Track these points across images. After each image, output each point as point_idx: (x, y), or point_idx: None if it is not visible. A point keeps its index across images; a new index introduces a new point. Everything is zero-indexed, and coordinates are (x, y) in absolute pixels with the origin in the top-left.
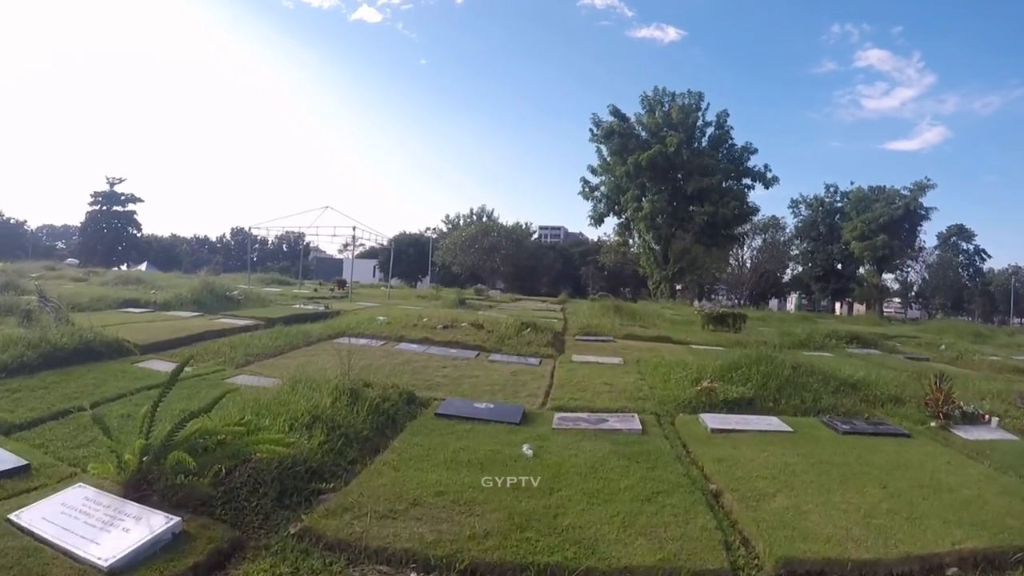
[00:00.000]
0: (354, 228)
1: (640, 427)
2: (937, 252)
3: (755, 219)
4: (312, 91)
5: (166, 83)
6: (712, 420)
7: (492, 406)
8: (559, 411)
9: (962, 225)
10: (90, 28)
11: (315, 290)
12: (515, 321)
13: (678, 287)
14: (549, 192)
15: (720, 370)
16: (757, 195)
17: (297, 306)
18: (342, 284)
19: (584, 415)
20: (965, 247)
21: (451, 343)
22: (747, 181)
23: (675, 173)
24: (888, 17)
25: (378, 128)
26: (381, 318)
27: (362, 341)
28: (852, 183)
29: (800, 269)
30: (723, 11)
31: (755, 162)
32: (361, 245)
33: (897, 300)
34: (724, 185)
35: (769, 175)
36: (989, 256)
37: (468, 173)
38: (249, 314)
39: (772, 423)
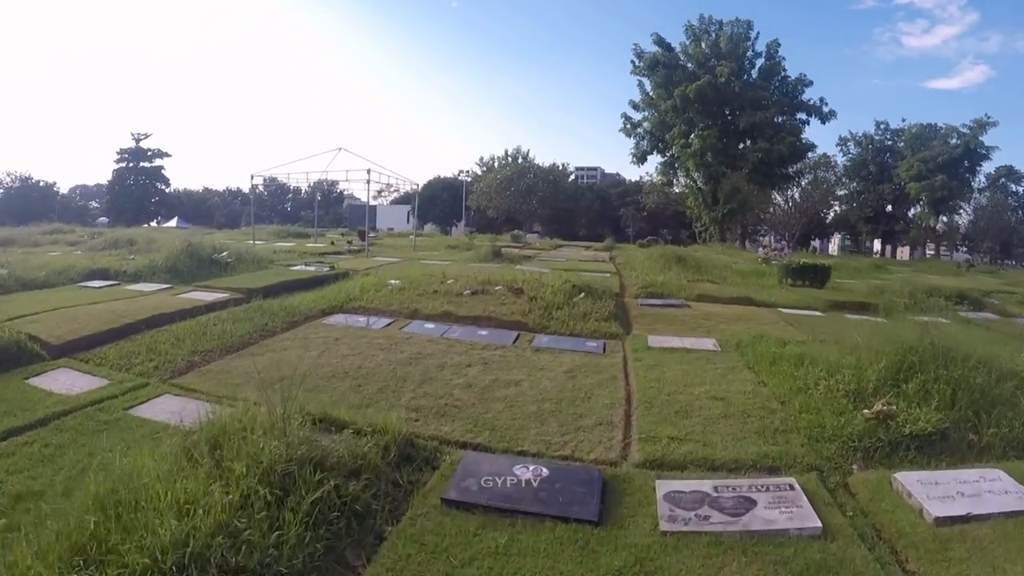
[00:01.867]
0: (368, 171)
1: (818, 524)
2: (986, 194)
3: (811, 156)
4: (341, 39)
5: (191, 33)
6: (922, 492)
7: (544, 471)
8: (659, 471)
9: (1011, 166)
10: None
11: (332, 243)
12: (563, 282)
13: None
14: (585, 131)
15: (881, 374)
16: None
17: (297, 267)
18: (363, 235)
19: (707, 489)
20: (1014, 189)
21: (481, 319)
22: (801, 116)
23: (725, 107)
24: None
25: (410, 72)
26: (394, 282)
27: (360, 320)
28: (904, 120)
29: (843, 209)
30: None
31: (810, 95)
32: (396, 191)
33: (943, 244)
34: (778, 120)
35: (826, 109)
36: None
37: (502, 114)
38: (228, 284)
39: (1009, 487)
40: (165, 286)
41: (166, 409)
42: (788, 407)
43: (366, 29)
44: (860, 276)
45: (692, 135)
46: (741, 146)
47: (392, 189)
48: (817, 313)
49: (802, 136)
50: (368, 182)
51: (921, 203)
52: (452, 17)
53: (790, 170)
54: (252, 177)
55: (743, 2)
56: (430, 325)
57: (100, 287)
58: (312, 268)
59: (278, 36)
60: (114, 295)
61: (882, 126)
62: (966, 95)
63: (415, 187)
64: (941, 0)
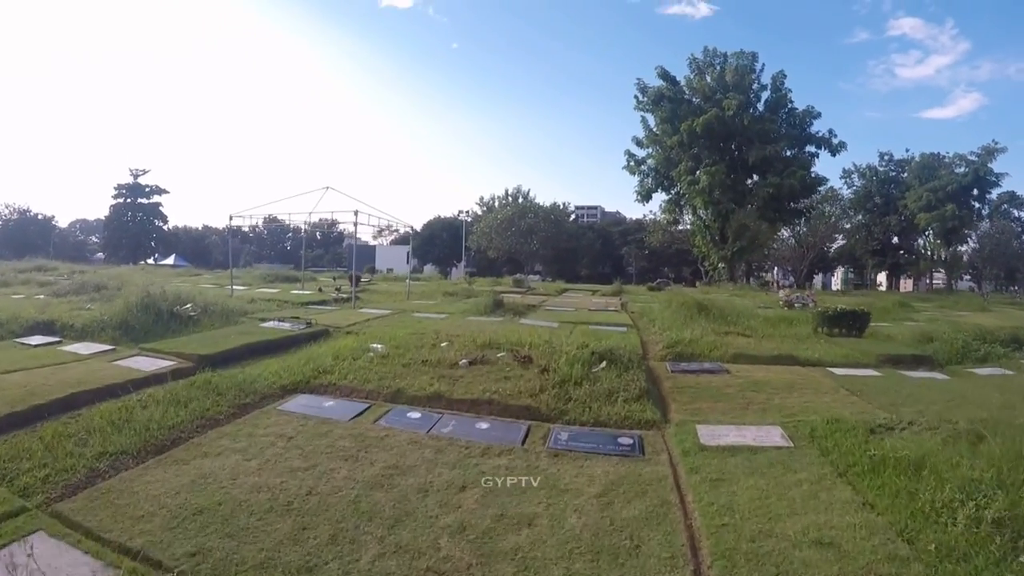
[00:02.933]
0: (356, 212)
1: None
2: (988, 221)
3: (822, 190)
4: (344, 80)
5: (197, 72)
6: None
7: None
8: None
9: (1013, 192)
10: (117, 17)
11: (320, 289)
12: (579, 347)
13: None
14: (584, 171)
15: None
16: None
17: (269, 324)
18: (356, 280)
19: None
20: (1017, 215)
21: (480, 403)
22: (810, 149)
23: (732, 141)
24: None
25: (411, 113)
26: (377, 346)
27: (327, 406)
28: (908, 150)
29: (845, 242)
30: None
31: (818, 127)
32: (396, 231)
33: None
34: (787, 154)
35: (835, 141)
36: None
37: (502, 155)
38: (180, 347)
39: None
40: (107, 348)
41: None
42: (922, 552)
43: (368, 68)
44: (889, 317)
45: (699, 171)
46: (749, 181)
47: (392, 229)
48: (873, 372)
49: (812, 169)
50: (356, 223)
51: (928, 233)
52: (452, 59)
53: (800, 205)
54: (231, 218)
55: (737, 40)
56: (414, 414)
57: (36, 345)
58: (286, 325)
59: (282, 75)
60: (44, 358)
61: (886, 157)
62: (960, 123)
63: (408, 228)
64: (933, 30)
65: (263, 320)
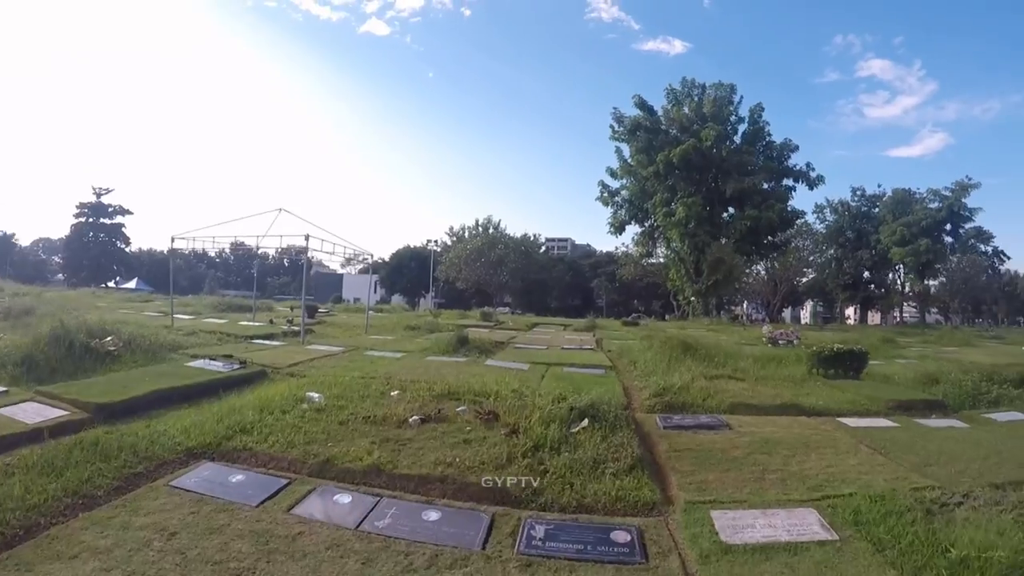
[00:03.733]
0: (307, 236)
1: None
2: (956, 256)
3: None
4: (319, 105)
5: (173, 93)
6: None
7: None
8: None
9: (980, 227)
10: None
11: (271, 321)
12: (555, 401)
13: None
14: (555, 203)
15: None
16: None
17: (197, 363)
18: (312, 311)
19: None
20: (984, 249)
21: (431, 482)
22: (787, 182)
23: (709, 173)
24: (889, 28)
25: (385, 141)
26: (314, 396)
27: (233, 482)
28: (879, 186)
29: (815, 276)
30: (728, 24)
31: (795, 160)
32: (364, 259)
33: (916, 307)
34: (764, 187)
35: (813, 174)
36: (1008, 257)
37: (474, 185)
38: (79, 392)
39: None
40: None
41: None
42: None
43: (343, 95)
44: (879, 354)
45: (675, 203)
46: (726, 214)
47: (360, 258)
48: (887, 423)
49: (789, 203)
50: (307, 248)
51: (898, 268)
52: (428, 87)
53: (778, 238)
54: (172, 240)
55: (710, 77)
56: (344, 497)
57: None
58: (217, 365)
59: (254, 98)
60: None
61: (858, 192)
62: (927, 162)
63: (368, 256)
64: (901, 71)
65: (195, 357)
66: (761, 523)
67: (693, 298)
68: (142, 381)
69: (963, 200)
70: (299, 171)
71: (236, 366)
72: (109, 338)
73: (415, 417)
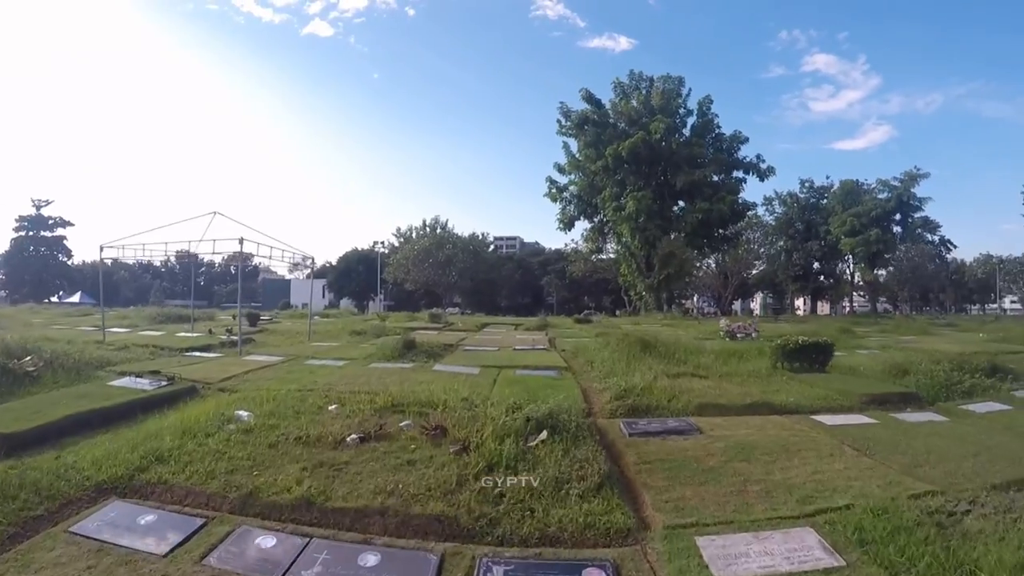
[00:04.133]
0: (241, 240)
1: None
2: (905, 245)
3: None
4: (262, 108)
5: (111, 99)
6: None
7: None
8: None
9: (927, 217)
10: (34, 33)
11: (210, 331)
12: (509, 413)
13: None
14: (503, 202)
15: None
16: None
17: (122, 382)
18: (254, 319)
19: None
20: (931, 239)
21: (370, 515)
22: (738, 174)
23: (659, 166)
24: (834, 23)
25: (330, 143)
26: (243, 414)
27: (144, 522)
28: (828, 178)
29: (765, 268)
30: (674, 20)
31: (746, 152)
32: (311, 264)
33: (863, 295)
34: (715, 179)
35: (763, 166)
36: (955, 246)
37: (423, 186)
38: None
39: None
40: None
41: None
42: None
43: (286, 97)
44: (839, 345)
45: (625, 197)
46: (676, 207)
47: (308, 262)
48: (865, 419)
49: (740, 195)
50: (241, 253)
51: (848, 258)
52: (374, 87)
53: (729, 231)
54: (101, 249)
55: (656, 72)
56: (267, 540)
57: None
58: (143, 383)
59: (193, 103)
60: None
61: (807, 184)
62: (871, 154)
63: (311, 259)
64: (845, 66)
65: (123, 374)
66: (755, 550)
67: (645, 293)
68: (58, 405)
69: (912, 190)
70: (242, 176)
71: (163, 383)
72: (28, 358)
73: (353, 436)
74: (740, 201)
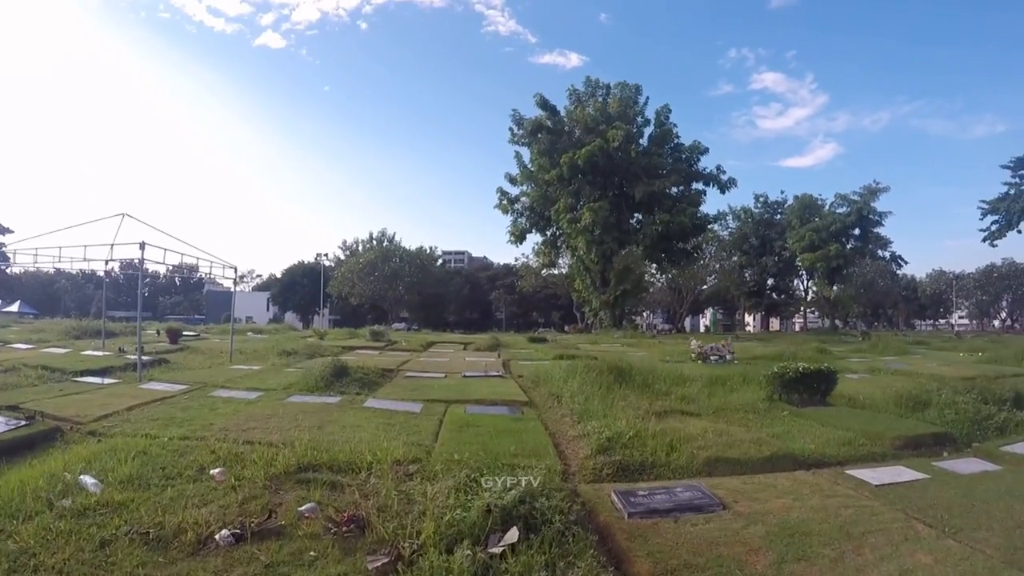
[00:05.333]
0: (142, 245)
1: None
2: (866, 260)
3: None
4: (210, 118)
5: (60, 104)
6: None
7: None
8: None
9: (878, 233)
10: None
11: (121, 350)
12: (461, 493)
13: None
14: (452, 216)
15: None
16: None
17: None
18: (175, 336)
19: None
20: (881, 254)
21: None
22: (698, 186)
23: (616, 176)
24: (782, 42)
25: (279, 155)
26: (88, 483)
27: None
28: (782, 192)
29: (718, 283)
30: (624, 38)
31: (705, 163)
32: (258, 276)
33: (814, 312)
34: (673, 191)
35: (724, 177)
36: (906, 262)
37: (371, 198)
38: None
39: None
40: None
41: None
42: None
43: (234, 108)
44: (816, 359)
45: (581, 208)
46: (633, 219)
47: (254, 275)
48: (910, 473)
49: (700, 208)
50: (141, 260)
51: (803, 274)
52: (324, 99)
53: (689, 244)
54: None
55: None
56: None
57: None
58: None
59: (140, 111)
60: None
61: (761, 199)
62: (818, 171)
63: (231, 268)
64: (793, 84)
65: None
66: None
67: (599, 309)
68: None
69: (872, 204)
70: (186, 185)
71: (19, 423)
72: None
73: (226, 532)
74: (701, 213)
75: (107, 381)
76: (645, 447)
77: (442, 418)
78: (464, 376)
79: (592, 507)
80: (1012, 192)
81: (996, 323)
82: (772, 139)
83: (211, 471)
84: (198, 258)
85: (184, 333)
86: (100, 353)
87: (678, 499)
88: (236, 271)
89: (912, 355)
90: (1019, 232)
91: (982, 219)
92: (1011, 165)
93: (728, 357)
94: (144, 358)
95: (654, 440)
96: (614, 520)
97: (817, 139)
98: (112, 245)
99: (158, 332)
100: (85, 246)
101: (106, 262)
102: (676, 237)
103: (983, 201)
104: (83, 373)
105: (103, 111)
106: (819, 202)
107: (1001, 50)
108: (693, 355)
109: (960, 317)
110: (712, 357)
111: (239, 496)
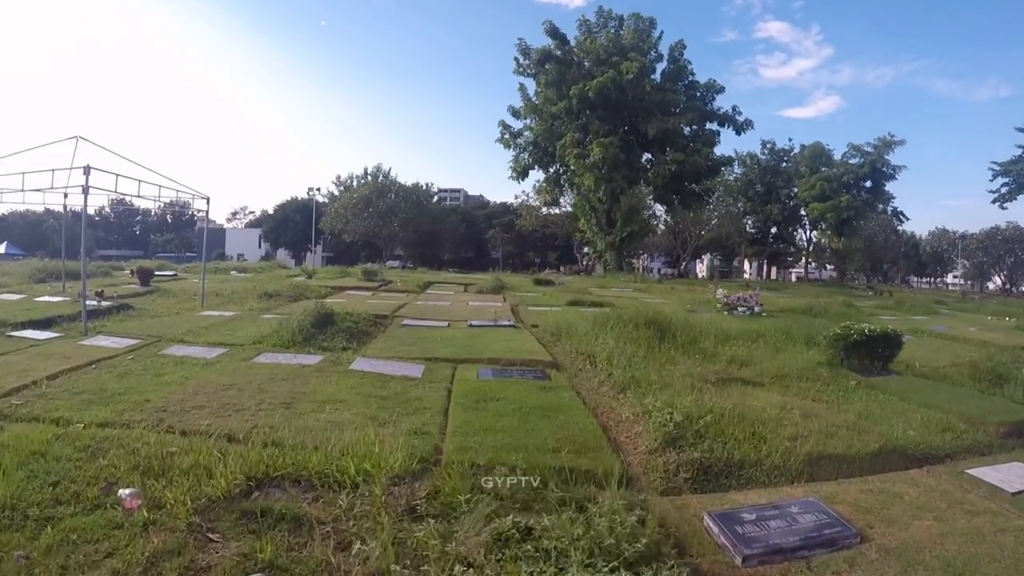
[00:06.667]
0: (87, 168)
1: None
2: (876, 213)
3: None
4: (205, 50)
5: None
6: None
7: None
8: None
9: (881, 187)
10: None
11: (80, 296)
12: (494, 531)
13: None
14: (448, 154)
15: None
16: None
17: None
18: (146, 276)
19: None
20: (883, 209)
21: None
22: (712, 126)
23: (628, 112)
24: None
25: (273, 90)
26: None
27: None
28: (790, 140)
29: (718, 229)
30: None
31: (721, 103)
32: (251, 213)
33: (813, 263)
34: (687, 130)
35: (740, 118)
36: (907, 218)
37: (366, 134)
38: None
39: None
40: None
41: None
42: None
43: (234, 40)
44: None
45: (589, 143)
46: (644, 158)
47: (247, 211)
48: None
49: (715, 148)
50: (85, 187)
51: (807, 224)
52: (320, 34)
53: (701, 186)
54: None
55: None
56: None
57: None
58: None
59: (140, 42)
60: None
61: (768, 146)
62: (820, 123)
63: (204, 200)
64: (799, 35)
65: None
66: None
67: (605, 251)
68: None
69: (886, 156)
70: (180, 118)
71: None
72: None
73: None
74: (716, 155)
75: (45, 336)
76: (725, 436)
77: (450, 386)
78: (470, 325)
79: (682, 541)
80: None
81: (990, 285)
82: (774, 88)
83: (120, 491)
84: (160, 186)
85: (159, 273)
86: (57, 299)
87: (799, 526)
88: (209, 201)
89: (940, 315)
90: None
91: (992, 180)
92: None
93: (757, 309)
94: (105, 304)
95: (733, 425)
96: (723, 570)
97: (819, 91)
98: (53, 171)
99: (132, 272)
100: (23, 173)
101: (64, 195)
102: (689, 178)
103: (994, 162)
104: (24, 325)
105: (99, 41)
106: (829, 150)
107: (1011, 15)
108: (719, 305)
109: (954, 277)
110: (740, 308)
111: (147, 547)
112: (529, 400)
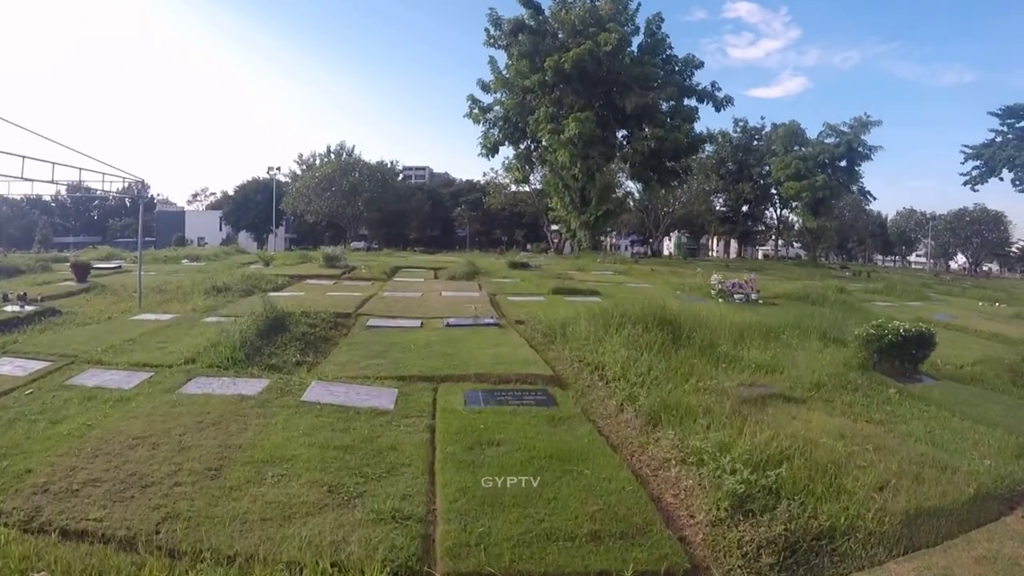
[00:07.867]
0: None
1: None
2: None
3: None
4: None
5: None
6: None
7: None
8: None
9: (855, 167)
10: None
11: (4, 297)
12: None
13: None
14: (413, 131)
15: None
16: None
17: None
18: (83, 272)
19: None
20: (852, 188)
21: None
22: (690, 102)
23: (604, 87)
24: None
25: (232, 63)
26: None
27: None
28: (763, 118)
29: (688, 207)
30: None
31: (699, 79)
32: (212, 195)
33: (781, 242)
34: (664, 106)
35: (720, 95)
36: (874, 198)
37: (328, 111)
38: None
39: None
40: None
41: None
42: None
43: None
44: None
45: (564, 118)
46: (621, 133)
47: (208, 192)
48: None
49: (694, 124)
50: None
51: (777, 202)
52: (278, 8)
53: (680, 164)
54: None
55: None
56: None
57: None
58: None
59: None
60: None
61: (740, 124)
62: (786, 103)
63: (138, 184)
64: (767, 15)
65: None
66: None
67: (578, 230)
68: None
69: (863, 137)
70: (137, 94)
71: None
72: None
73: None
74: (695, 131)
75: None
76: (800, 490)
77: (432, 422)
78: (447, 325)
79: None
80: (999, 140)
81: (952, 264)
82: (741, 68)
83: None
84: (80, 168)
85: (100, 266)
86: None
87: None
88: (143, 185)
89: (933, 301)
90: (1000, 179)
91: (964, 163)
92: (999, 113)
93: (754, 296)
94: (28, 309)
95: (803, 471)
96: None
97: (786, 72)
98: None
99: (72, 267)
100: None
101: None
102: (668, 155)
103: (966, 146)
104: None
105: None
106: (802, 130)
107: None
108: (713, 292)
109: (917, 255)
110: (736, 296)
111: None
112: (539, 443)
